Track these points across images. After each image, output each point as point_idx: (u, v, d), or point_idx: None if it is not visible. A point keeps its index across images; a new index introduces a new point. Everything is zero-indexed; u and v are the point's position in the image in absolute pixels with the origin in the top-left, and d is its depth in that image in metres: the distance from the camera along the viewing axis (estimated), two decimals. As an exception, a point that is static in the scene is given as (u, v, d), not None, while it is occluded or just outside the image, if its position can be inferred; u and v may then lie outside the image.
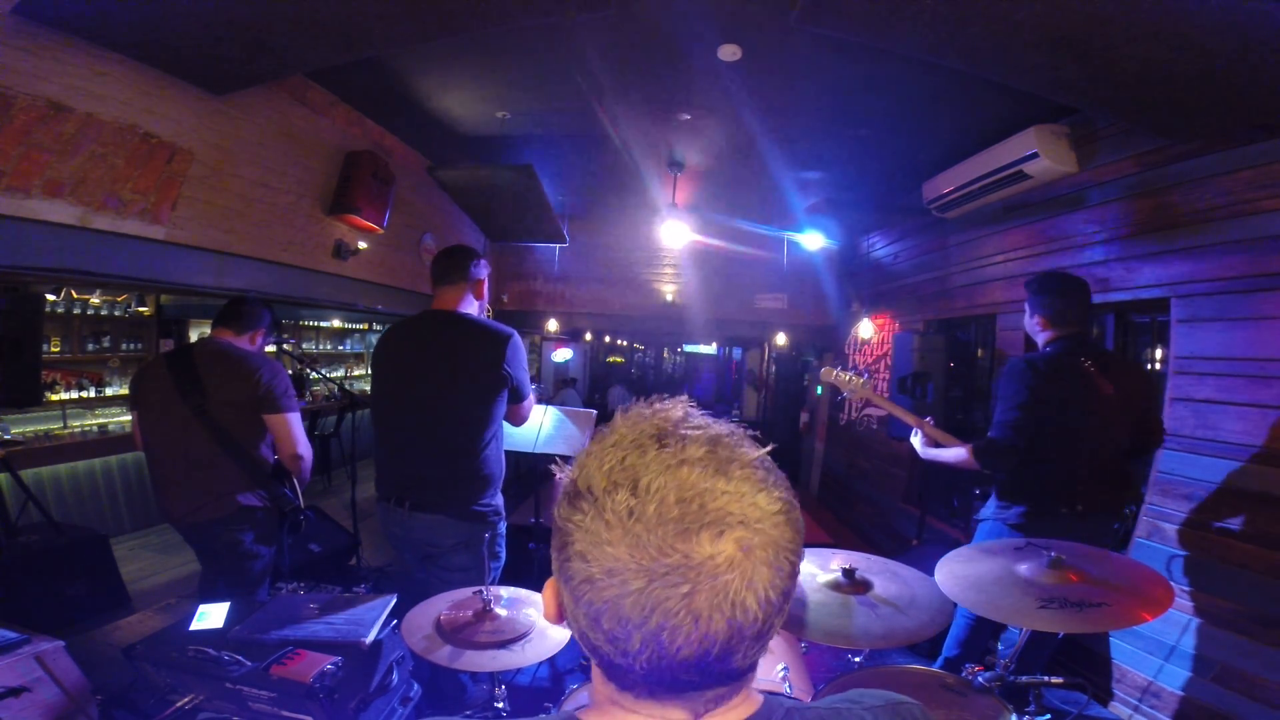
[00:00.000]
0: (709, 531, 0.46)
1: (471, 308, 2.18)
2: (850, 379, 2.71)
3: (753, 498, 0.48)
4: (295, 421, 2.29)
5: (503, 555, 2.21)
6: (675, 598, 0.45)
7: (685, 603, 0.45)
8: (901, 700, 0.62)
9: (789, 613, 1.63)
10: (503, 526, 2.18)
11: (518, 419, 2.23)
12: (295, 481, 2.37)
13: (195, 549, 2.37)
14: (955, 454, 2.27)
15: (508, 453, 2.27)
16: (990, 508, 2.29)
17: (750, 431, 0.55)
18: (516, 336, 2.11)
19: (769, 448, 0.54)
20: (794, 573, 0.51)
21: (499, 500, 2.16)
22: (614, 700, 0.54)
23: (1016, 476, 2.17)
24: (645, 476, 0.48)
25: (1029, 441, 2.06)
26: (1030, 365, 2.13)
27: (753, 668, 0.53)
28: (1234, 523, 2.31)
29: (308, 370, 6.03)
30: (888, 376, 4.77)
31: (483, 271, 2.20)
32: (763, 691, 0.59)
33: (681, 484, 0.47)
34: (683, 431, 0.51)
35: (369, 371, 8.55)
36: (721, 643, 0.47)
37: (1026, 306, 2.31)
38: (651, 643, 0.47)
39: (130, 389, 2.39)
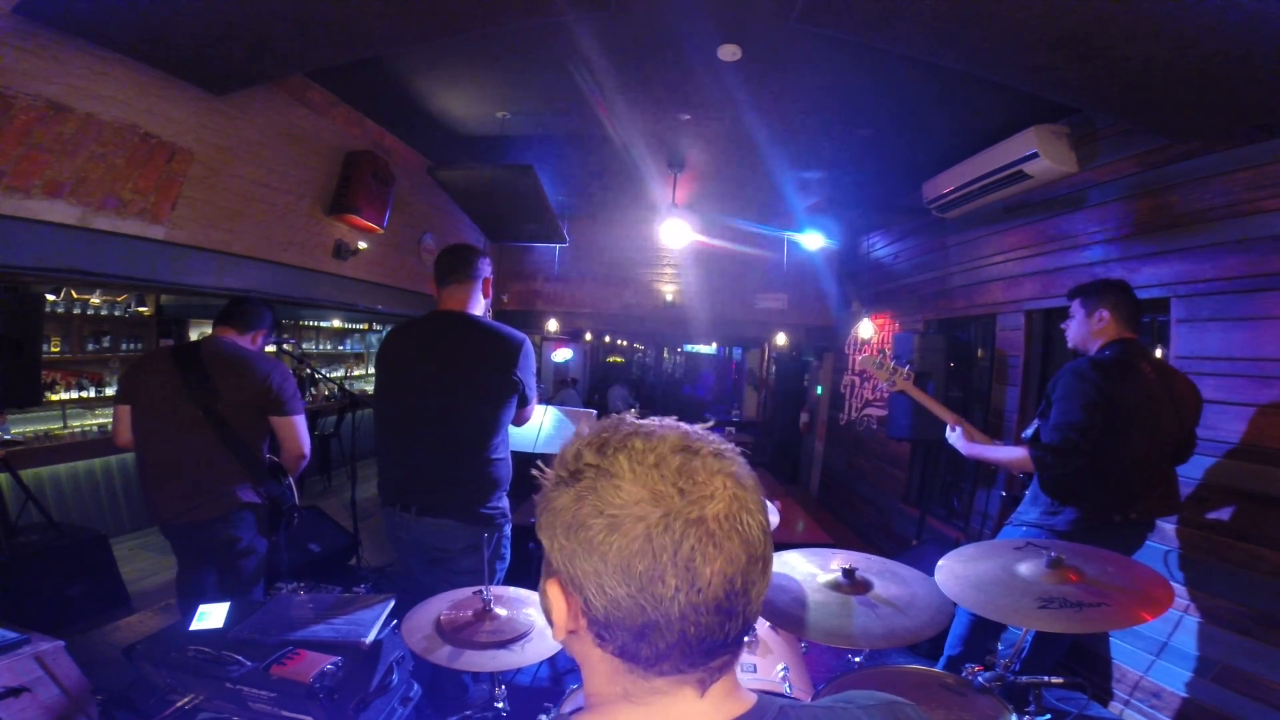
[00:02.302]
0: (704, 470, 0.54)
1: (479, 307, 2.18)
2: (891, 367, 2.63)
3: (722, 453, 0.57)
4: (301, 424, 2.33)
5: (508, 556, 2.21)
6: (695, 521, 0.51)
7: (702, 527, 0.51)
8: (896, 701, 0.63)
9: (790, 613, 1.63)
10: (509, 528, 2.18)
11: (519, 421, 2.24)
12: (291, 479, 2.39)
13: (182, 550, 2.32)
14: (1007, 453, 2.20)
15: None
16: (1031, 513, 2.20)
17: (746, 441, 0.59)
18: (529, 342, 2.12)
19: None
20: (768, 514, 0.59)
21: (505, 503, 2.16)
22: (625, 693, 0.56)
23: (1072, 481, 2.08)
24: (636, 442, 0.55)
25: (1093, 445, 1.99)
26: (1096, 366, 2.07)
27: (747, 632, 0.57)
28: (1234, 523, 2.31)
29: (307, 370, 6.04)
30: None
31: (488, 269, 2.20)
32: (757, 691, 0.61)
33: (668, 443, 0.55)
34: (653, 424, 0.59)
35: (370, 372, 8.55)
36: (741, 570, 0.52)
37: (1083, 306, 2.23)
38: (685, 576, 0.50)
39: (124, 383, 2.33)
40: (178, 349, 2.29)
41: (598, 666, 0.57)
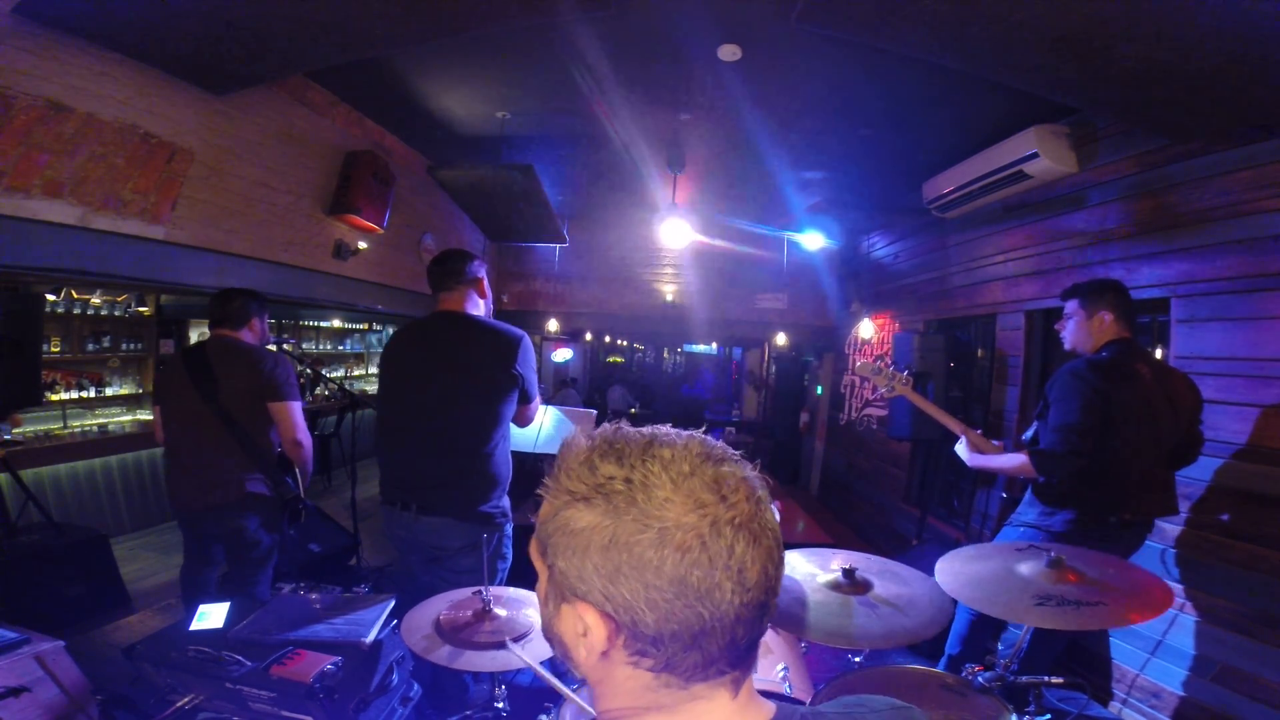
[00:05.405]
0: (731, 476, 0.55)
1: (477, 308, 2.19)
2: (889, 372, 2.62)
3: (733, 458, 0.58)
4: (296, 410, 2.44)
5: (509, 556, 2.21)
6: (739, 525, 0.52)
7: (745, 529, 0.52)
8: (905, 706, 0.64)
9: (790, 613, 1.63)
10: (509, 528, 2.18)
11: (524, 420, 2.24)
12: (297, 472, 2.49)
13: (194, 539, 2.47)
14: (1011, 461, 2.18)
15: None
16: (1029, 514, 2.20)
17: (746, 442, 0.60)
18: (527, 338, 2.13)
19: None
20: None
21: (506, 502, 2.16)
22: (655, 704, 0.55)
23: (1070, 482, 2.08)
24: (663, 451, 0.55)
25: (1093, 446, 1.98)
26: (1093, 366, 2.07)
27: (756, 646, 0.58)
28: (1234, 522, 2.31)
29: (309, 371, 6.05)
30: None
31: (480, 270, 2.21)
32: (770, 695, 0.62)
33: (694, 451, 0.56)
34: (665, 432, 0.59)
35: (370, 372, 8.54)
36: (775, 564, 0.54)
37: (1083, 307, 2.22)
38: (738, 579, 0.51)
39: (155, 384, 2.62)
40: (187, 350, 2.51)
41: (623, 685, 0.55)
